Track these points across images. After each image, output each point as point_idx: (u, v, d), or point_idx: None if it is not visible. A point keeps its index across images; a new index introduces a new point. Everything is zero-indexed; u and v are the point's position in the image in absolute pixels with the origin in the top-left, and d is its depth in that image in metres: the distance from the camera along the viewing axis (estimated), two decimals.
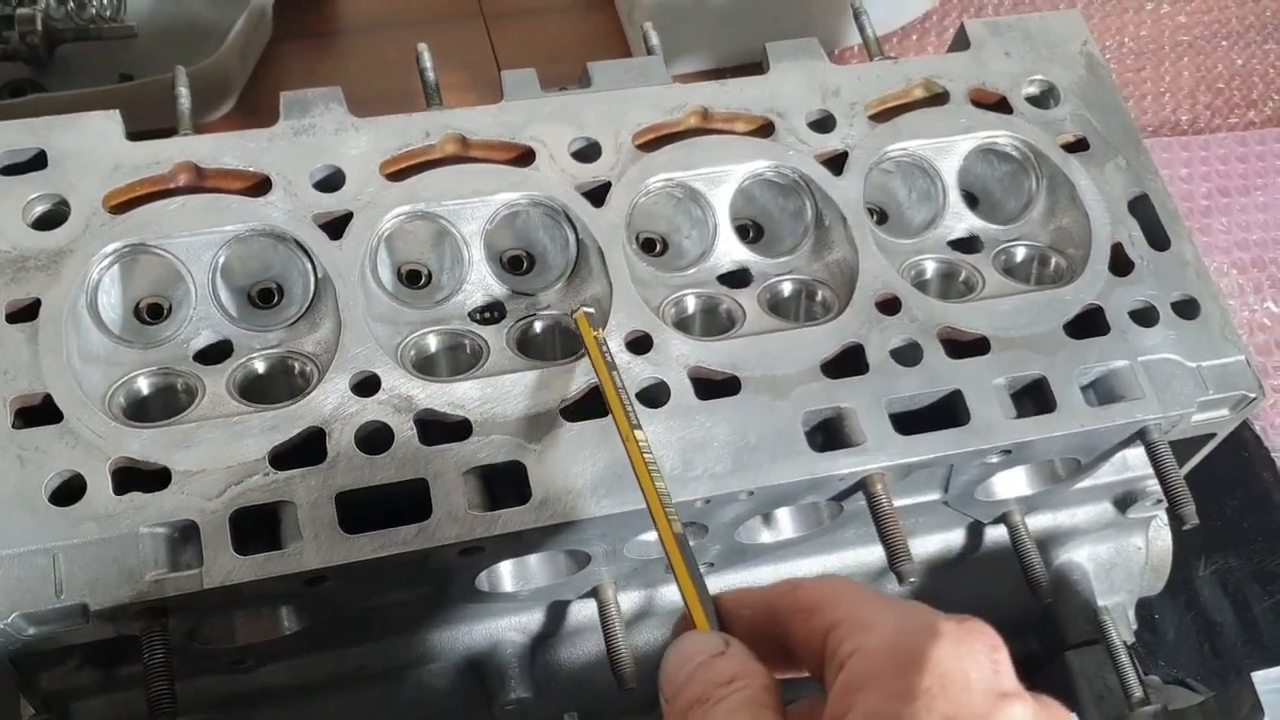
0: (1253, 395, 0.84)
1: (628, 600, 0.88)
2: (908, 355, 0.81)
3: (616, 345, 0.78)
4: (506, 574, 0.81)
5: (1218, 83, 1.38)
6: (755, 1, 1.27)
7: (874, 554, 0.93)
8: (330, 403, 0.74)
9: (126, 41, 1.21)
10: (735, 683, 0.53)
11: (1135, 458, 0.90)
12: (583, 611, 0.87)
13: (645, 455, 0.68)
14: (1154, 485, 0.93)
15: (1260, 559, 1.12)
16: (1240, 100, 1.38)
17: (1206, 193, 1.26)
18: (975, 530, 0.95)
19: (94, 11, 1.22)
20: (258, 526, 0.72)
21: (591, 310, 0.78)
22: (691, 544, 0.81)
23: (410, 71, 0.93)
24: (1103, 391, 0.83)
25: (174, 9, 1.26)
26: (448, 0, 1.34)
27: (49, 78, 1.19)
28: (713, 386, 0.79)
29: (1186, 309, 0.85)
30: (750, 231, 0.90)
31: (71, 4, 1.21)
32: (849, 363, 0.80)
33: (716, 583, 0.91)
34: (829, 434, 0.79)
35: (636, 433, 0.70)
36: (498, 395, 0.76)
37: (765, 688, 0.53)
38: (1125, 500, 0.95)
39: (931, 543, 0.94)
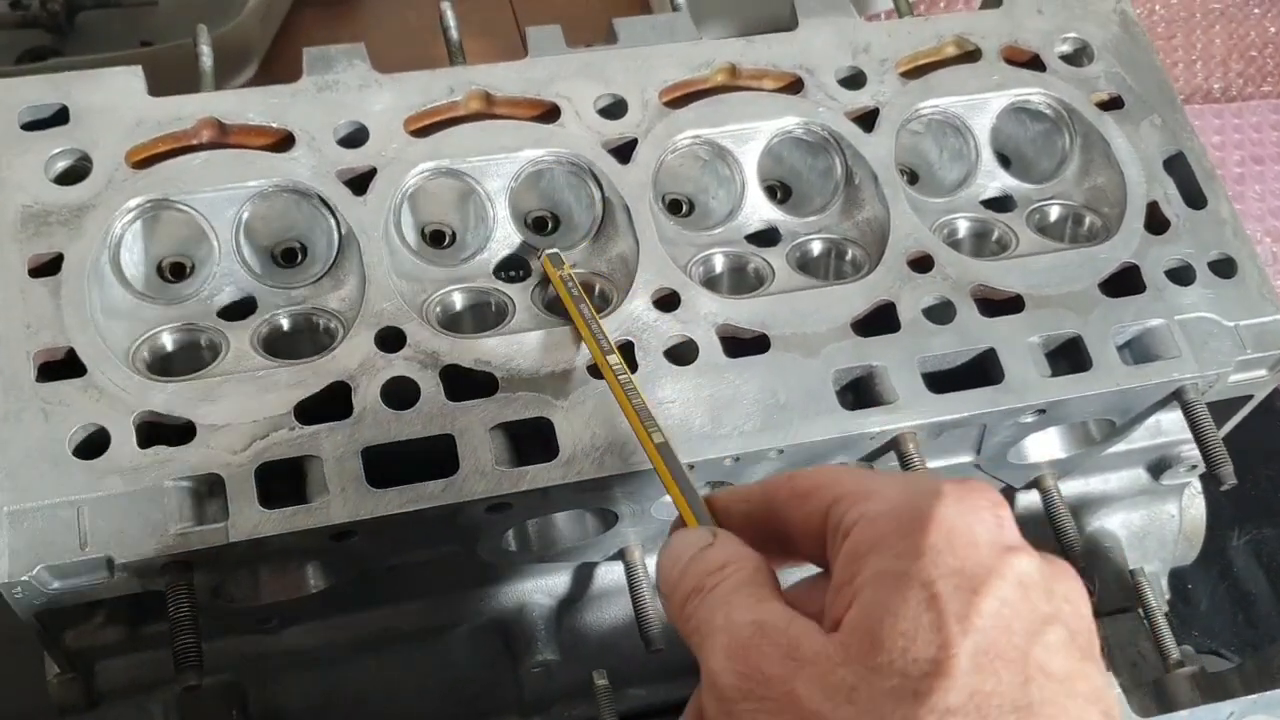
0: None
1: (654, 564, 0.87)
2: (940, 313, 0.79)
3: (644, 304, 0.77)
4: (534, 534, 0.80)
5: (1250, 50, 1.36)
6: None
7: None
8: (356, 357, 0.73)
9: (147, 9, 1.21)
10: (727, 568, 0.54)
11: (1169, 422, 0.89)
12: (609, 575, 0.87)
13: (619, 376, 0.69)
14: (1188, 450, 0.91)
15: None
16: (1274, 68, 1.36)
17: (1240, 160, 1.24)
18: (1007, 495, 0.93)
19: None
20: (284, 483, 0.72)
21: (557, 250, 0.78)
22: None
23: (432, 39, 0.92)
24: (1139, 350, 0.82)
25: None
26: None
27: (69, 45, 1.19)
28: (741, 345, 0.78)
29: (1224, 268, 0.84)
30: (779, 193, 0.89)
31: None
32: (880, 321, 0.79)
33: None
34: (860, 393, 0.78)
35: (610, 358, 0.70)
36: (524, 351, 0.75)
37: (757, 569, 0.55)
38: (1159, 466, 0.94)
39: None
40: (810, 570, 0.59)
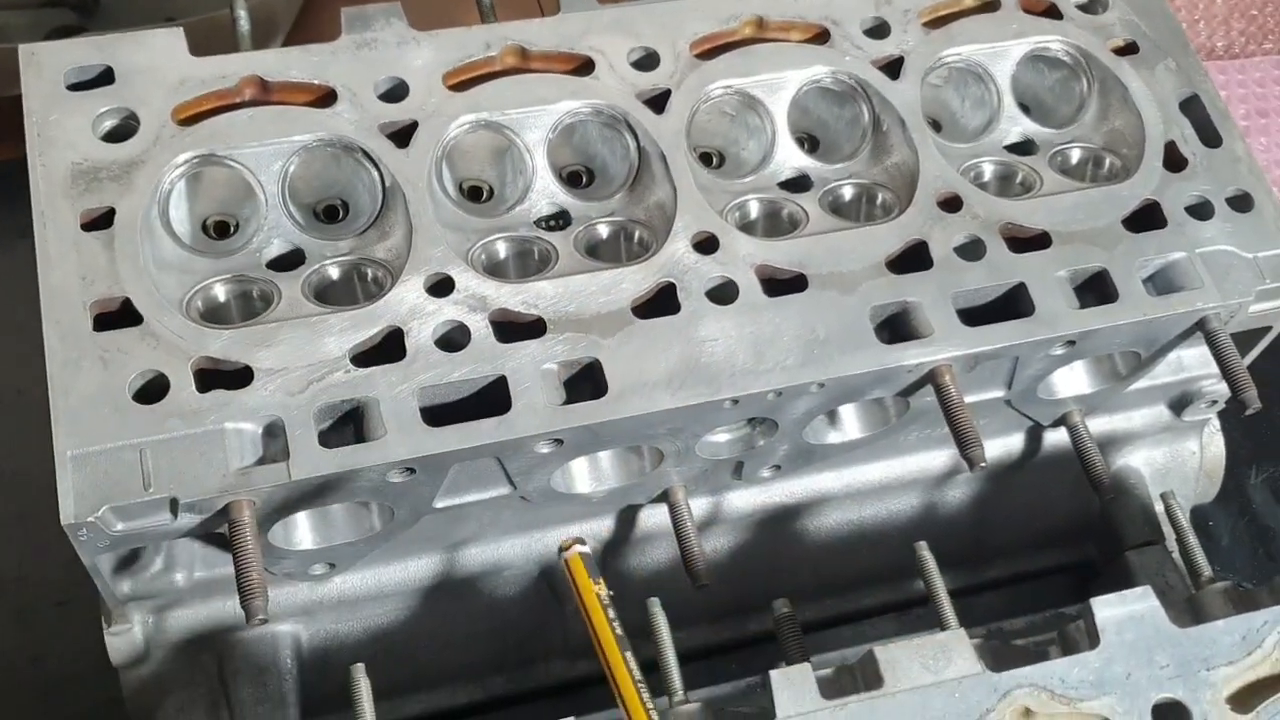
0: None
1: (695, 507, 0.88)
2: (971, 251, 0.81)
3: (684, 247, 0.79)
4: (581, 475, 0.81)
5: (1251, 9, 1.39)
6: None
7: (936, 459, 0.94)
8: (407, 303, 0.75)
9: None
10: None
11: (1190, 358, 0.91)
12: (652, 518, 0.88)
13: None
14: (1209, 386, 0.94)
15: None
16: (1274, 26, 1.38)
17: (1245, 114, 1.27)
18: (1034, 435, 0.95)
19: None
20: (339, 428, 0.73)
21: (587, 550, 0.76)
22: (761, 444, 0.82)
23: (454, 9, 0.93)
24: (1162, 284, 0.84)
25: None
26: None
27: (94, 23, 1.20)
28: (780, 285, 0.79)
29: (1241, 203, 0.86)
30: (806, 144, 0.90)
31: None
32: (913, 259, 0.81)
33: (783, 488, 0.91)
34: (896, 328, 0.80)
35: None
36: (570, 294, 0.76)
37: None
38: (1180, 402, 0.96)
39: (992, 448, 0.94)
40: None
